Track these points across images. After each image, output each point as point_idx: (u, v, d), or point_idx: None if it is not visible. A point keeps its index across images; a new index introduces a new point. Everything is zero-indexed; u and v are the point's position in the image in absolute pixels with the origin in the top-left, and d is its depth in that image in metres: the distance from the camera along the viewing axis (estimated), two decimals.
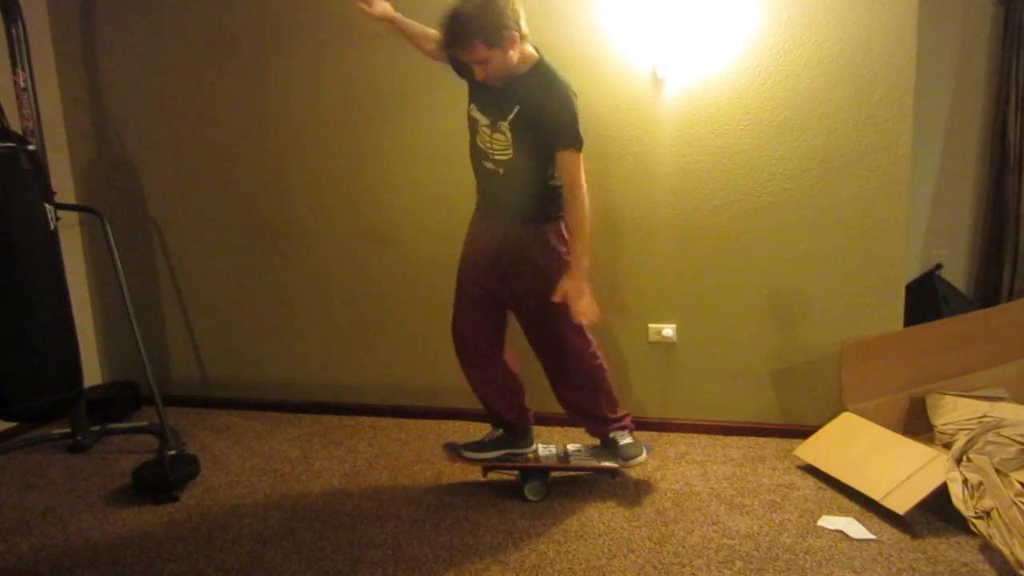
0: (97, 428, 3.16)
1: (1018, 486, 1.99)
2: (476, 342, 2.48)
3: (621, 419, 2.54)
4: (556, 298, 2.25)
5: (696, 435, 3.01)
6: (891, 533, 2.20)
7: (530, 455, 2.57)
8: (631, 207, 2.94)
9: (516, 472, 2.57)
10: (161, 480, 2.58)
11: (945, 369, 2.73)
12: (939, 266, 3.39)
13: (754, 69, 2.76)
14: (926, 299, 3.25)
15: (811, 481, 2.56)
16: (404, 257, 3.24)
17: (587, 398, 2.49)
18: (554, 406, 2.60)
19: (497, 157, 2.30)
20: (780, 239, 2.85)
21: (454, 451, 2.58)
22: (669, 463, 2.75)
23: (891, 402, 2.70)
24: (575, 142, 2.22)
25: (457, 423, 3.23)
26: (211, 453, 2.99)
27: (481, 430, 2.65)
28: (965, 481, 2.14)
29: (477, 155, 2.38)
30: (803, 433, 2.79)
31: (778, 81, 2.75)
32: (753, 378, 2.97)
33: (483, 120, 2.30)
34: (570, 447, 2.63)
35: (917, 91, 2.67)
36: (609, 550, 2.17)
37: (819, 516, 2.32)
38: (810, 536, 2.21)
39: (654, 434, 3.00)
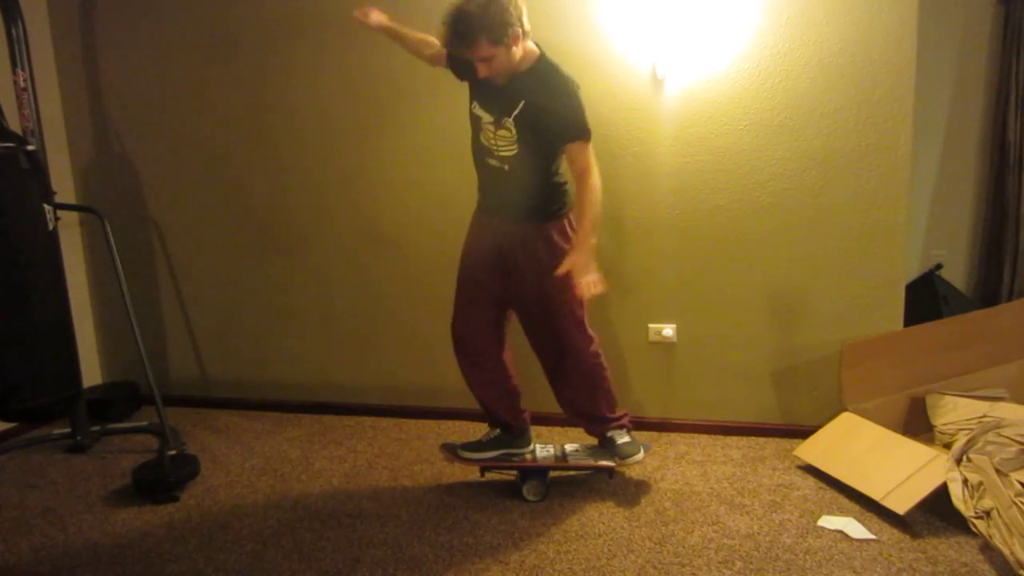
0: (97, 428, 3.16)
1: (1018, 486, 1.99)
2: (475, 341, 2.48)
3: (619, 419, 2.54)
4: (561, 271, 2.22)
5: (696, 435, 3.01)
6: (891, 533, 2.20)
7: (528, 455, 2.57)
8: (631, 207, 2.94)
9: (515, 472, 2.57)
10: (161, 480, 2.58)
11: (945, 369, 2.73)
12: (939, 266, 3.39)
13: (754, 69, 2.76)
14: (926, 299, 3.25)
15: (811, 481, 2.56)
16: (404, 257, 3.24)
17: (587, 397, 2.50)
18: (552, 406, 2.60)
19: (501, 154, 2.30)
20: (780, 239, 2.85)
21: (451, 451, 2.58)
22: (669, 463, 2.75)
23: (891, 402, 2.70)
24: (584, 133, 2.23)
25: (457, 423, 3.23)
26: (211, 453, 2.99)
27: (481, 430, 2.65)
28: (965, 481, 2.14)
29: (480, 153, 2.38)
30: (803, 433, 2.79)
31: (778, 81, 2.76)
32: (753, 378, 2.97)
33: (487, 117, 2.30)
34: (567, 447, 2.63)
35: (917, 91, 2.67)
36: (609, 550, 2.17)
37: (819, 516, 2.32)
38: (810, 536, 2.21)
39: (654, 434, 3.00)
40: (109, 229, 3.00)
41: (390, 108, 3.13)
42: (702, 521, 2.32)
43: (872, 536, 2.19)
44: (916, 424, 2.67)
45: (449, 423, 3.24)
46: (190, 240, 3.52)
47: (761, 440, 2.93)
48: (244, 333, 3.52)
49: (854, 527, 2.24)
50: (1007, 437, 2.21)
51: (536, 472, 2.51)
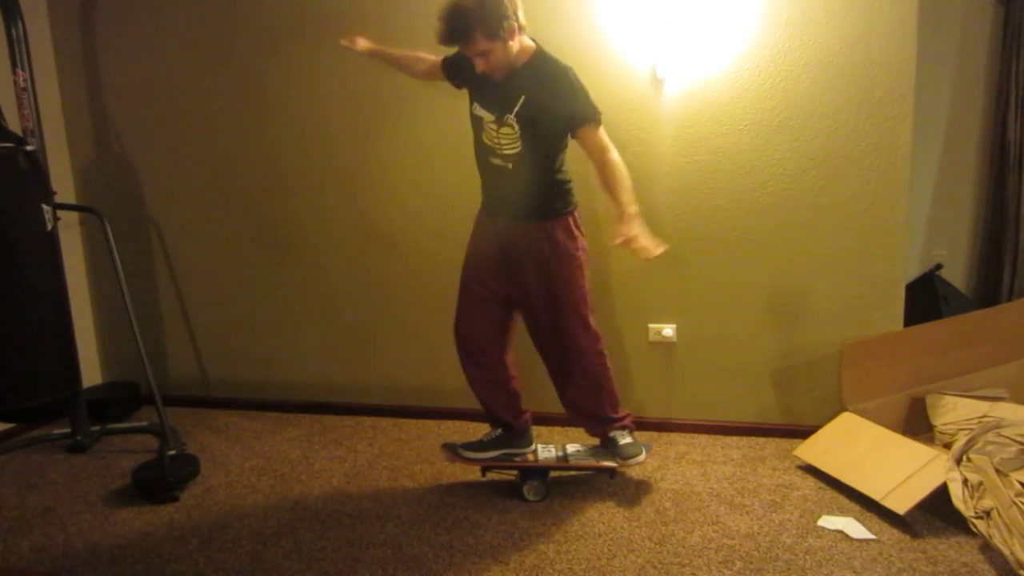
0: (97, 428, 3.16)
1: (1018, 486, 1.99)
2: (477, 342, 2.48)
3: (622, 419, 2.54)
4: (617, 242, 2.19)
5: (696, 435, 3.01)
6: (891, 533, 2.20)
7: (529, 455, 2.57)
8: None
9: (515, 472, 2.57)
10: (161, 480, 2.58)
11: (945, 369, 2.73)
12: (939, 266, 3.39)
13: (754, 69, 2.76)
14: (926, 299, 3.25)
15: (811, 481, 2.56)
16: (404, 257, 3.24)
17: (589, 397, 2.49)
18: (554, 406, 2.60)
19: (505, 152, 2.30)
20: (780, 239, 2.85)
21: (452, 451, 2.58)
22: (669, 463, 2.75)
23: (891, 402, 2.70)
24: (593, 114, 2.24)
25: (457, 423, 3.23)
26: (211, 453, 2.99)
27: (481, 430, 2.65)
28: (965, 481, 2.14)
29: (483, 153, 2.38)
30: (803, 433, 2.79)
31: (778, 81, 2.76)
32: (753, 378, 2.97)
33: (488, 116, 2.30)
34: (569, 447, 2.63)
35: (917, 91, 2.67)
36: (609, 550, 2.17)
37: (819, 516, 2.32)
38: (810, 536, 2.21)
39: (654, 434, 3.00)
40: (109, 229, 3.00)
41: (390, 108, 3.13)
42: (702, 521, 2.32)
43: (872, 536, 2.19)
44: (916, 424, 2.67)
45: (449, 423, 3.24)
46: (190, 240, 3.52)
47: (761, 440, 2.93)
48: (244, 333, 3.52)
49: (854, 527, 2.24)
50: (1007, 437, 2.21)
51: (537, 472, 2.51)
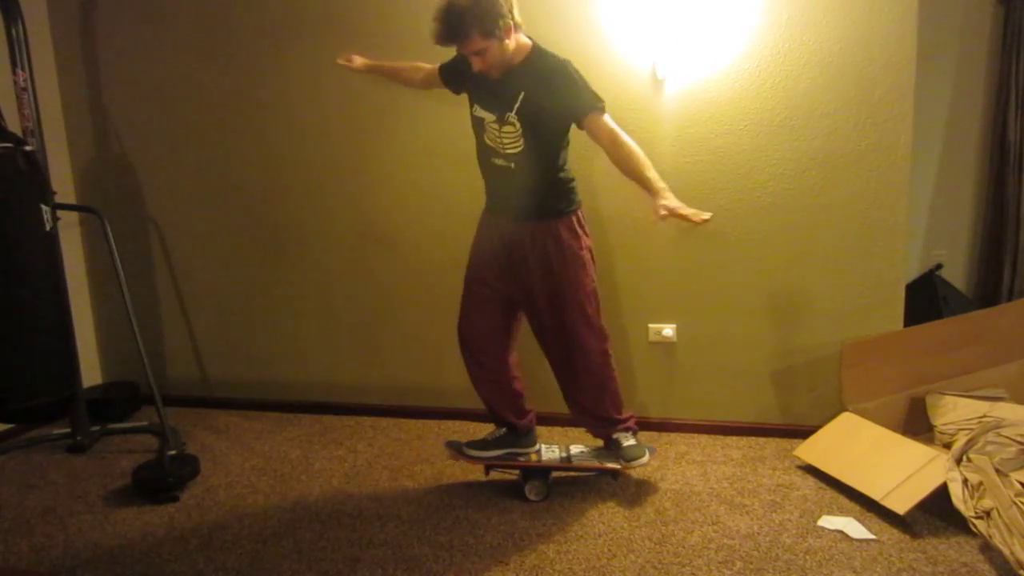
0: (97, 428, 3.16)
1: (1018, 486, 1.99)
2: (480, 342, 2.48)
3: (625, 420, 2.54)
4: (661, 215, 2.11)
5: (696, 435, 3.01)
6: (891, 533, 2.20)
7: (533, 455, 2.57)
8: (631, 207, 2.94)
9: (517, 472, 2.57)
10: (161, 480, 2.58)
11: (945, 369, 2.73)
12: (939, 266, 3.39)
13: (754, 69, 2.76)
14: (926, 299, 3.25)
15: (811, 481, 2.56)
16: (404, 257, 3.24)
17: (593, 397, 2.49)
18: (558, 407, 2.60)
19: (508, 151, 2.30)
20: (780, 239, 2.85)
21: (456, 449, 2.58)
22: (669, 463, 2.75)
23: (891, 402, 2.70)
24: (596, 102, 2.22)
25: (457, 423, 3.23)
26: (211, 453, 2.99)
27: (481, 430, 2.65)
28: (965, 481, 2.14)
29: (485, 154, 2.38)
30: (803, 433, 2.79)
31: (778, 81, 2.76)
32: (753, 378, 2.97)
33: (489, 117, 2.30)
34: (573, 448, 2.62)
35: (917, 91, 2.67)
36: (609, 550, 2.17)
37: (819, 516, 2.32)
38: (810, 536, 2.21)
39: (654, 434, 3.00)
40: (109, 229, 3.00)
41: (390, 108, 3.13)
42: (702, 521, 2.32)
43: (872, 536, 2.19)
44: (916, 424, 2.67)
45: (449, 423, 3.24)
46: (190, 240, 3.52)
47: (761, 440, 2.93)
48: (244, 333, 3.52)
49: (854, 527, 2.24)
50: (1007, 437, 2.21)
51: (538, 472, 2.51)
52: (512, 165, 2.31)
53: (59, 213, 2.91)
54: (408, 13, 2.99)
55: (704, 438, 2.98)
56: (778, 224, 2.84)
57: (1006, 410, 2.45)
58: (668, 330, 3.00)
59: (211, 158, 3.41)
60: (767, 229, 2.85)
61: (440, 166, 3.10)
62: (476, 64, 2.21)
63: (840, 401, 2.71)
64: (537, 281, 2.37)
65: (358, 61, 2.73)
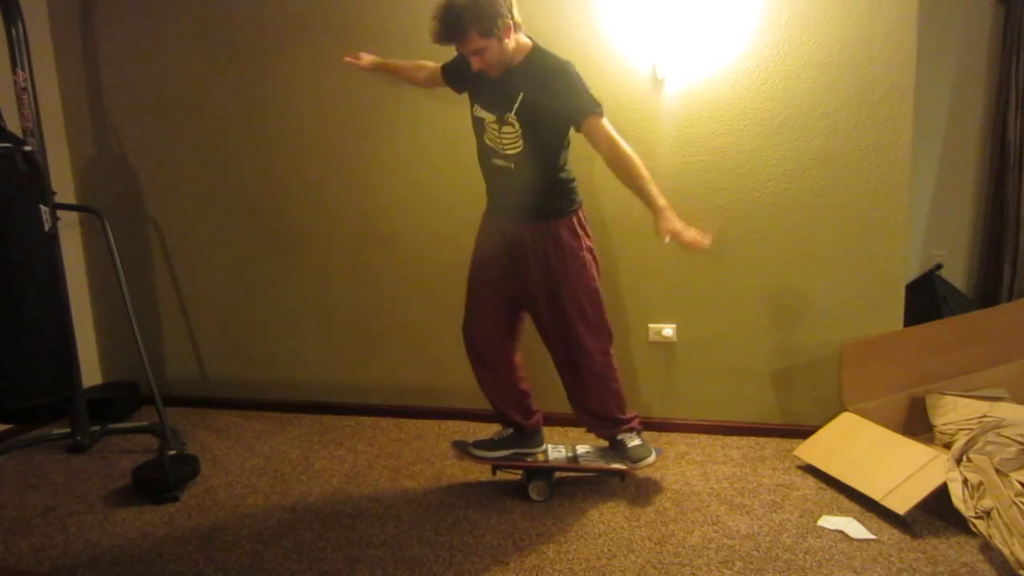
0: (97, 428, 3.16)
1: (1018, 486, 1.99)
2: (485, 342, 2.48)
3: (629, 420, 2.54)
4: (664, 240, 2.18)
5: (696, 435, 3.01)
6: (891, 533, 2.20)
7: (539, 455, 2.56)
8: (631, 207, 2.92)
9: (520, 472, 2.57)
10: (161, 480, 2.58)
11: (945, 369, 2.73)
12: (939, 266, 3.39)
13: (754, 69, 2.76)
14: (926, 299, 3.25)
15: (811, 481, 2.56)
16: (404, 257, 3.24)
17: (596, 398, 2.48)
18: (564, 407, 2.60)
19: (508, 152, 2.29)
20: (780, 239, 2.85)
21: (463, 449, 2.58)
22: (669, 463, 2.75)
23: (891, 402, 2.70)
24: (594, 106, 2.22)
25: (457, 423, 3.23)
26: (211, 453, 2.99)
27: (482, 429, 2.66)
28: (965, 481, 2.14)
29: (486, 154, 2.38)
30: (803, 433, 2.79)
31: (778, 81, 2.76)
32: (753, 378, 2.97)
33: (489, 117, 2.30)
34: (579, 448, 2.62)
35: (917, 91, 2.67)
36: (609, 550, 2.17)
37: (819, 516, 2.32)
38: (810, 536, 2.21)
39: (654, 434, 3.00)
40: (109, 229, 3.00)
41: (390, 108, 3.13)
42: (702, 521, 2.32)
43: (872, 536, 2.19)
44: (916, 424, 2.67)
45: (450, 423, 3.24)
46: (190, 240, 3.52)
47: (761, 440, 2.93)
48: (244, 333, 3.52)
49: (854, 527, 2.24)
50: (1007, 437, 2.21)
51: (542, 472, 2.51)
52: (512, 165, 2.31)
53: (59, 213, 2.91)
54: (408, 13, 2.99)
55: (704, 438, 2.98)
56: (778, 224, 2.84)
57: (1006, 410, 2.45)
58: (668, 330, 3.00)
59: (211, 158, 3.41)
60: (767, 229, 2.85)
61: (440, 166, 3.10)
62: (475, 63, 2.21)
63: (840, 401, 2.71)
64: (537, 281, 2.37)
65: (366, 59, 2.73)
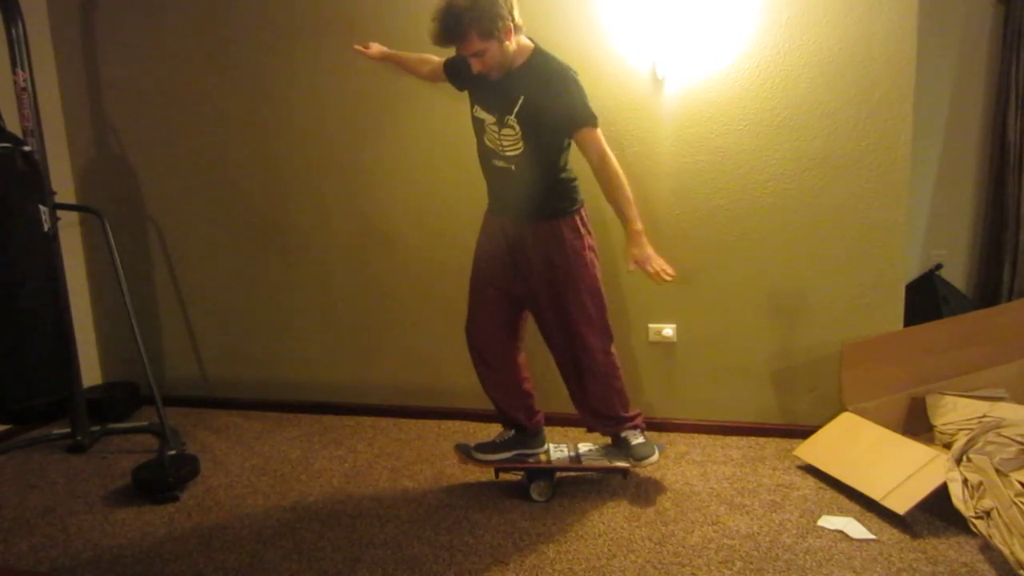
0: (97, 428, 3.16)
1: (1018, 486, 1.99)
2: (488, 342, 2.48)
3: (633, 418, 2.54)
4: (630, 268, 2.28)
5: (696, 435, 3.01)
6: (891, 533, 2.20)
7: (542, 456, 2.56)
8: None
9: (521, 472, 2.56)
10: (161, 480, 2.58)
11: (945, 369, 2.73)
12: (939, 266, 3.39)
13: (754, 69, 2.76)
14: (926, 299, 3.25)
15: (811, 481, 2.56)
16: (404, 257, 3.24)
17: (599, 396, 2.48)
18: (565, 407, 2.60)
19: (508, 153, 2.29)
20: (780, 239, 2.85)
21: (465, 452, 2.58)
22: (669, 463, 2.75)
23: (891, 402, 2.70)
24: (590, 119, 2.23)
25: (457, 423, 3.23)
26: (211, 453, 2.99)
27: (482, 429, 2.66)
28: (965, 481, 2.14)
29: (486, 155, 2.38)
30: (803, 433, 2.79)
31: (778, 81, 2.75)
32: (753, 378, 2.97)
33: (489, 119, 2.29)
34: (581, 447, 2.62)
35: (917, 91, 2.67)
36: (609, 550, 2.17)
37: (819, 516, 2.32)
38: (810, 536, 2.21)
39: (654, 434, 3.00)
40: (109, 229, 3.00)
41: (389, 108, 3.13)
42: (702, 521, 2.32)
43: (872, 536, 2.19)
44: (916, 424, 2.67)
45: (449, 423, 3.24)
46: (190, 240, 3.52)
47: (761, 440, 2.93)
48: (244, 333, 3.52)
49: (854, 527, 2.24)
50: (1007, 437, 2.21)
51: (543, 472, 2.51)
52: (512, 167, 2.31)
53: (59, 213, 2.91)
54: (408, 13, 2.99)
55: (704, 438, 2.98)
56: (778, 224, 2.84)
57: (1006, 410, 2.45)
58: (668, 330, 3.00)
59: (211, 158, 3.41)
60: (767, 229, 2.85)
61: (440, 166, 3.10)
62: (475, 66, 2.20)
63: (840, 401, 2.71)
64: (540, 280, 2.37)
65: (374, 48, 2.74)
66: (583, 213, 2.39)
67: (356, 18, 3.09)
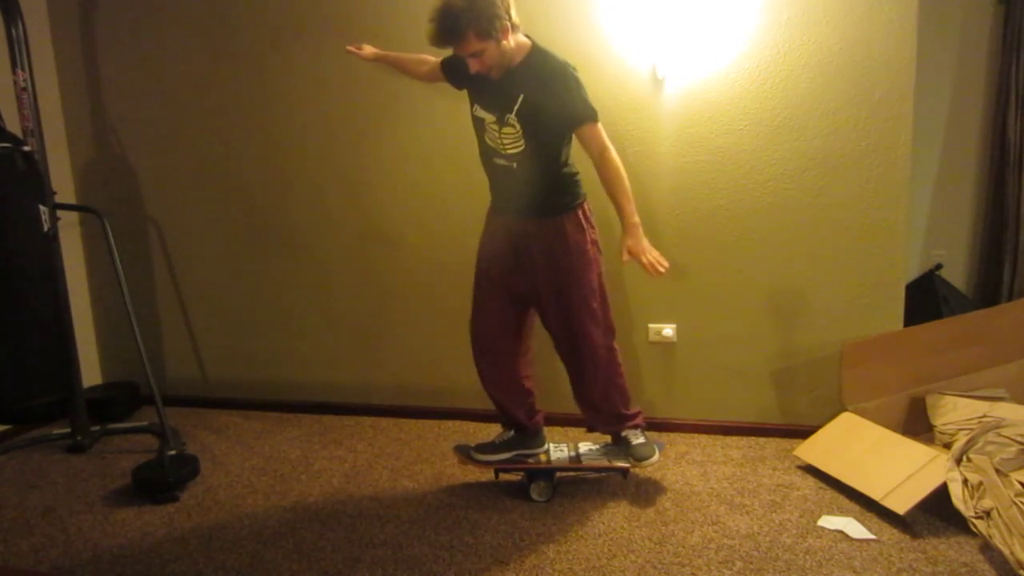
0: (97, 428, 3.16)
1: (1018, 486, 1.99)
2: (491, 340, 2.48)
3: (634, 416, 2.53)
4: (624, 259, 2.29)
5: (696, 435, 3.01)
6: (891, 533, 2.20)
7: (542, 456, 2.56)
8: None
9: (521, 472, 2.56)
10: (161, 480, 2.58)
11: (945, 369, 2.73)
12: (939, 266, 3.39)
13: (754, 69, 2.76)
14: (926, 299, 3.25)
15: (811, 481, 2.56)
16: (403, 256, 3.24)
17: (601, 392, 2.48)
18: (566, 407, 2.60)
19: (509, 152, 2.29)
20: (780, 239, 2.85)
21: (465, 453, 2.58)
22: (669, 463, 2.75)
23: (891, 402, 2.70)
24: (590, 114, 2.24)
25: (457, 423, 3.23)
26: (211, 453, 2.99)
27: (481, 429, 2.66)
28: (965, 481, 2.14)
29: (487, 154, 2.38)
30: (803, 433, 2.79)
31: (778, 81, 2.76)
32: (753, 378, 2.97)
33: (489, 118, 2.29)
34: (582, 447, 2.62)
35: (917, 91, 2.67)
36: (609, 550, 2.17)
37: (819, 516, 2.32)
38: (810, 536, 2.21)
39: (654, 434, 3.00)
40: (109, 229, 3.00)
41: (390, 108, 3.13)
42: (702, 521, 2.32)
43: (872, 536, 2.19)
44: (916, 424, 2.67)
45: (450, 423, 3.24)
46: (190, 240, 3.52)
47: (761, 440, 2.93)
48: (244, 333, 3.52)
49: (854, 527, 2.24)
50: (1007, 437, 2.21)
51: (543, 472, 2.50)
52: (514, 165, 2.30)
53: (59, 213, 2.92)
54: (408, 13, 2.99)
55: (704, 438, 2.98)
56: (778, 224, 2.84)
57: (1006, 410, 2.45)
58: (668, 330, 3.00)
59: (211, 158, 3.41)
60: (767, 229, 2.85)
61: (440, 166, 3.10)
62: (473, 66, 2.20)
63: (840, 401, 2.71)
64: (543, 276, 2.37)
65: (368, 50, 2.73)
66: (586, 207, 2.38)
67: (356, 18, 3.09)
